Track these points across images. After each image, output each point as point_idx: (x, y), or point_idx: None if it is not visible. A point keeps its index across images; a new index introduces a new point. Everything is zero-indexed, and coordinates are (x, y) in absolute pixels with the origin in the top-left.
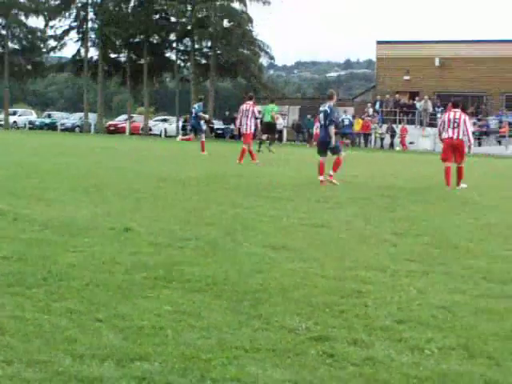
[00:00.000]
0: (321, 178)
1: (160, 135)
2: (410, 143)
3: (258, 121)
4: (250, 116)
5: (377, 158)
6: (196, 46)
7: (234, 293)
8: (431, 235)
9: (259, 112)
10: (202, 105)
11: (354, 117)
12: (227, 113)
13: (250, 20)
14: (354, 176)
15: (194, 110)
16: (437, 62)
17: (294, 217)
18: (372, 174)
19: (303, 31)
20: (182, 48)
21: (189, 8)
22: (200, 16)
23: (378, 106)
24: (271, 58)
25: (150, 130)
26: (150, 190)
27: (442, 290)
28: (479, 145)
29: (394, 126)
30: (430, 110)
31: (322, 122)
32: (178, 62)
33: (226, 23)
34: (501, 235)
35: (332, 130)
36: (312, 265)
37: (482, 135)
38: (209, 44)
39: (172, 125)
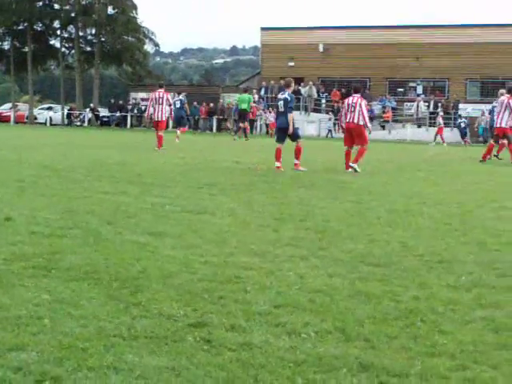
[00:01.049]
0: (277, 163)
1: (45, 123)
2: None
3: (172, 107)
4: (163, 104)
5: (262, 144)
6: (80, 34)
7: (113, 281)
8: (312, 220)
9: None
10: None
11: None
12: (112, 100)
13: (135, 7)
14: (237, 162)
15: (179, 102)
16: (320, 48)
17: (176, 204)
18: (257, 159)
19: (189, 18)
20: (66, 35)
21: None
22: (84, 3)
23: (263, 92)
24: (156, 44)
25: (35, 118)
26: (31, 179)
27: (321, 274)
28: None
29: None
30: (315, 95)
31: (282, 110)
32: (63, 49)
33: (110, 10)
34: (380, 219)
35: (291, 116)
36: (193, 251)
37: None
38: (93, 31)
39: (57, 113)
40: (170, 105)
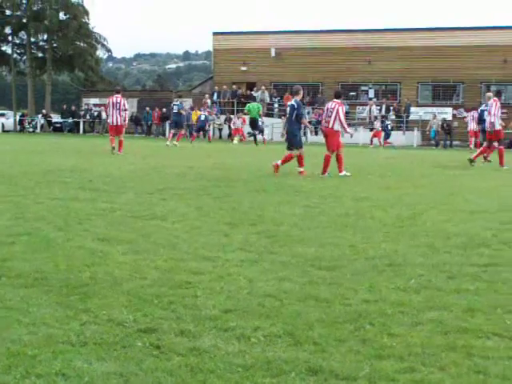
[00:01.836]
0: (300, 169)
1: None
2: (248, 133)
3: (128, 112)
4: (120, 109)
5: (215, 148)
6: (32, 40)
7: (63, 287)
8: (264, 224)
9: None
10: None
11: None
12: (65, 106)
13: (86, 12)
14: (189, 167)
15: (177, 107)
16: (272, 53)
17: (127, 209)
18: (209, 164)
19: (142, 23)
20: (17, 41)
21: (24, 1)
22: (35, 9)
23: (215, 96)
24: (108, 50)
25: None
26: None
27: (271, 278)
28: (316, 134)
29: (232, 116)
30: (268, 100)
31: (288, 116)
32: (14, 55)
33: (61, 16)
34: (331, 223)
35: (306, 122)
36: (144, 257)
37: (318, 124)
38: (45, 37)
39: (9, 119)
40: (125, 110)
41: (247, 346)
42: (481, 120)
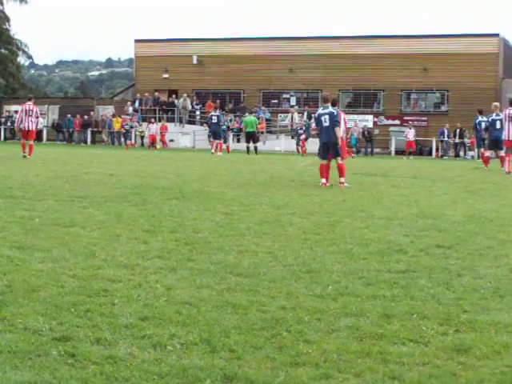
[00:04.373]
0: (323, 180)
1: None
2: (170, 141)
3: (40, 119)
4: (33, 115)
5: (137, 156)
6: None
7: None
8: (183, 232)
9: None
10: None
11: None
12: None
13: (7, 19)
14: (109, 175)
15: (216, 118)
16: (194, 60)
17: (45, 217)
18: (128, 172)
19: (64, 29)
20: None
21: None
22: None
23: (137, 104)
24: (30, 57)
25: None
26: None
27: (189, 285)
28: (238, 141)
29: (155, 123)
30: (189, 107)
31: (327, 124)
32: None
33: None
34: (250, 230)
35: (338, 130)
36: (61, 265)
37: (240, 131)
38: None
39: None
40: (37, 117)
41: (163, 354)
42: (489, 129)
